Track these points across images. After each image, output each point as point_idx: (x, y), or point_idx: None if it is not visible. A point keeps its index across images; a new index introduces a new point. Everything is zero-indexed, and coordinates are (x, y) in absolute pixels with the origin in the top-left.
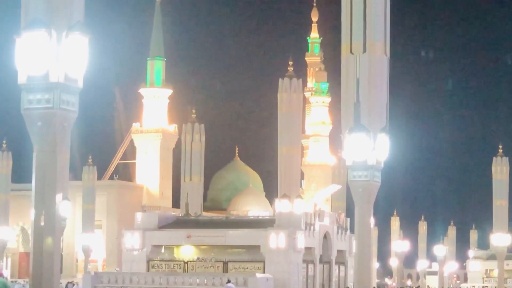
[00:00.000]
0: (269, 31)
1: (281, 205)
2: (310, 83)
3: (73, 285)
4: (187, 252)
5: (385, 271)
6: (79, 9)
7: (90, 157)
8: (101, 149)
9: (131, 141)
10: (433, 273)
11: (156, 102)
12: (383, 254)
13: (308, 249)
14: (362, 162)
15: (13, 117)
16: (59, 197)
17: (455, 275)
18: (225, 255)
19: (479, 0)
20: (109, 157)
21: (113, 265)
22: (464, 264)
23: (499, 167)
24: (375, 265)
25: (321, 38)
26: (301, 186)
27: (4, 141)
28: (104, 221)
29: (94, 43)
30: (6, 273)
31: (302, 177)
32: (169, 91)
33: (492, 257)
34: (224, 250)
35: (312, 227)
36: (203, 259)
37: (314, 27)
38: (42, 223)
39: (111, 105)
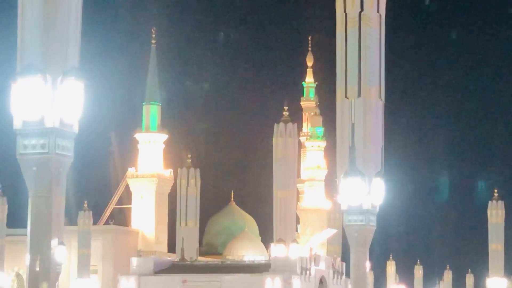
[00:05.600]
0: (265, 76)
1: (277, 250)
2: (306, 127)
3: None
4: None
5: None
6: (74, 54)
7: (85, 202)
8: (97, 194)
9: (127, 186)
10: None
11: (151, 147)
12: None
13: None
14: (357, 207)
15: (8, 162)
16: (54, 242)
17: None
18: None
19: (474, 45)
20: (104, 202)
21: None
22: None
23: (494, 211)
24: None
25: (316, 82)
26: (296, 230)
27: (0, 186)
28: (100, 266)
29: (90, 88)
30: None
31: (297, 222)
32: (164, 136)
33: None
34: None
35: (307, 272)
36: None
37: (309, 71)
38: (38, 268)
39: (106, 150)
